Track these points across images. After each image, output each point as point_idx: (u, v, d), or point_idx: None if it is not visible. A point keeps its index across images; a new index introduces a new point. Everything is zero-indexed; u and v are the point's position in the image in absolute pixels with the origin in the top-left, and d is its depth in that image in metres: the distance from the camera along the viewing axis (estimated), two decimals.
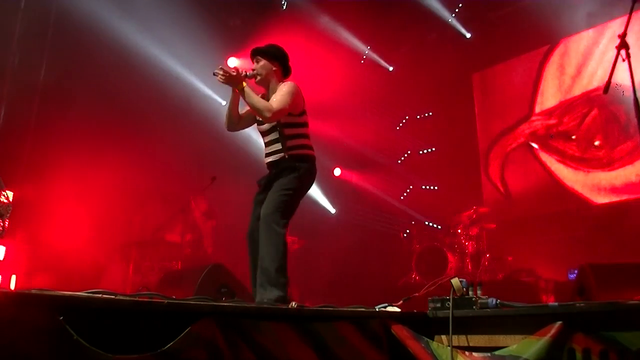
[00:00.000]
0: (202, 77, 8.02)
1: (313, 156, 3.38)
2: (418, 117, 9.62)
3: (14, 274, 5.65)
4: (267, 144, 3.37)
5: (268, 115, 3.15)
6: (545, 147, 7.94)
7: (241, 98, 3.26)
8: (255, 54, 3.45)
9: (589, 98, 7.44)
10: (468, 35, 8.66)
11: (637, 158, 6.84)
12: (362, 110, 10.01)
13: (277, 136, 3.28)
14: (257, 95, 3.24)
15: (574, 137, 7.60)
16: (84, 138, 6.48)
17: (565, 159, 7.70)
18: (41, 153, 6.22)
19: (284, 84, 3.35)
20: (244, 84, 3.21)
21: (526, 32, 7.83)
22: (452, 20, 8.56)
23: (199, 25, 7.16)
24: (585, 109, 7.48)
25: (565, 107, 7.77)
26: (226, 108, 3.45)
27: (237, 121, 3.46)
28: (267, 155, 3.36)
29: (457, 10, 8.52)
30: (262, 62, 3.42)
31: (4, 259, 5.51)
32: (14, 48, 6.32)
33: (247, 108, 3.38)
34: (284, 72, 3.50)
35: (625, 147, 6.97)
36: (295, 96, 3.26)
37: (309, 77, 8.53)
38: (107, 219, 6.47)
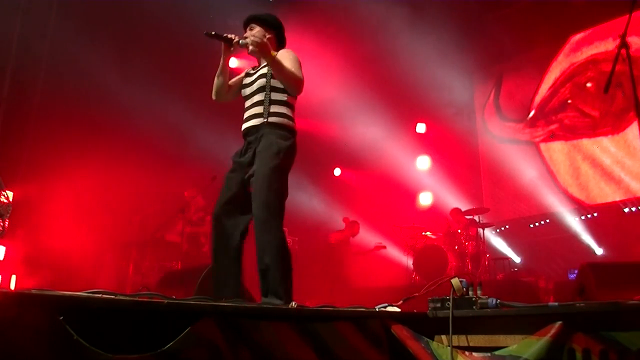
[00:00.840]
0: None
1: (296, 131, 3.08)
2: (418, 117, 9.62)
3: (14, 274, 5.65)
4: (247, 109, 3.07)
5: (299, 85, 2.97)
6: (546, 124, 7.98)
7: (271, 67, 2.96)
8: (250, 21, 3.21)
9: (588, 63, 7.46)
10: (468, 35, 8.65)
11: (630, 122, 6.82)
12: (362, 110, 10.01)
13: (262, 98, 2.99)
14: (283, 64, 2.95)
15: (569, 101, 7.66)
16: (84, 138, 6.48)
17: (563, 130, 7.74)
18: (41, 153, 6.22)
19: (286, 51, 3.11)
20: (275, 53, 2.94)
21: (528, 31, 7.84)
22: (452, 19, 8.55)
23: (199, 26, 7.16)
24: (586, 74, 7.51)
25: (567, 75, 7.81)
26: (216, 77, 3.17)
27: (227, 90, 3.20)
28: (246, 120, 3.05)
29: (457, 10, 8.51)
30: (256, 29, 3.16)
31: (4, 259, 5.51)
32: (14, 48, 6.32)
33: (236, 77, 3.18)
34: (279, 42, 3.26)
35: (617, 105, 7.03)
36: (300, 68, 3.04)
37: (309, 77, 8.55)
38: (107, 219, 6.47)
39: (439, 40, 8.69)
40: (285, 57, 3.02)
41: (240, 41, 3.06)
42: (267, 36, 3.12)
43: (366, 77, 9.31)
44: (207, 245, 6.77)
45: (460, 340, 2.22)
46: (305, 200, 9.19)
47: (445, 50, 8.50)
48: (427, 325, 2.34)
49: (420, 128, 9.63)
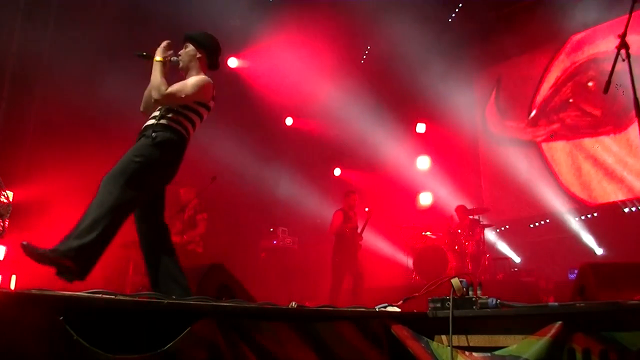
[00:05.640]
0: None
1: (183, 135, 3.11)
2: (418, 117, 9.62)
3: (14, 274, 5.65)
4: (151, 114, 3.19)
5: (156, 95, 3.02)
6: (547, 124, 7.98)
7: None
8: (185, 40, 3.31)
9: (590, 62, 7.44)
10: (468, 35, 8.66)
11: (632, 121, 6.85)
12: (362, 110, 10.01)
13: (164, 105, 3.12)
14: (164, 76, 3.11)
15: (571, 100, 7.66)
16: (84, 138, 6.47)
17: (565, 129, 7.74)
18: (41, 153, 6.22)
19: (199, 75, 3.20)
20: (161, 58, 3.12)
21: (529, 31, 7.84)
22: (452, 20, 8.57)
23: (199, 26, 7.15)
24: (588, 73, 7.52)
25: (569, 74, 7.81)
26: (147, 90, 3.22)
27: (154, 104, 3.19)
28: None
29: (457, 10, 8.53)
30: (188, 48, 3.28)
31: (4, 259, 5.51)
32: (14, 48, 6.31)
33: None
34: (209, 64, 3.34)
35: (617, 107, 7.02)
36: (199, 91, 3.10)
37: (309, 77, 8.56)
38: None
39: (440, 40, 8.71)
40: (193, 77, 3.17)
41: (172, 59, 3.22)
42: (198, 55, 3.28)
43: (366, 77, 9.32)
44: (201, 244, 6.75)
45: (460, 340, 2.22)
46: (306, 200, 9.19)
47: (445, 49, 8.52)
48: (427, 325, 2.34)
49: (420, 128, 9.63)
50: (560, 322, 1.95)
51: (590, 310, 2.05)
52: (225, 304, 1.99)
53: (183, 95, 3.06)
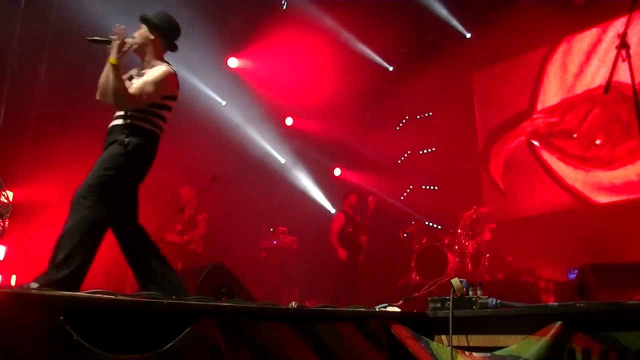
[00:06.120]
0: (202, 77, 8.02)
1: (154, 133, 3.04)
2: (418, 117, 9.62)
3: (14, 274, 5.65)
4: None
5: (116, 101, 2.89)
6: (546, 145, 7.91)
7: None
8: (140, 21, 3.15)
9: (591, 96, 7.40)
10: (468, 35, 8.66)
11: (638, 158, 6.82)
12: (362, 110, 10.01)
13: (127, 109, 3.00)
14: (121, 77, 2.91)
15: (575, 135, 7.56)
16: (84, 138, 6.46)
17: (566, 157, 7.66)
18: (41, 153, 6.21)
19: (158, 68, 3.03)
20: (114, 60, 2.86)
21: (528, 31, 7.82)
22: (452, 19, 8.56)
23: (199, 26, 7.16)
24: (587, 108, 7.42)
25: (567, 106, 7.73)
26: (103, 77, 3.01)
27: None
28: (112, 120, 3.06)
29: (457, 10, 8.52)
30: (142, 30, 3.12)
31: (4, 259, 5.51)
32: (14, 48, 6.31)
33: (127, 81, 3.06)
34: (166, 46, 3.20)
35: (627, 146, 6.93)
36: (162, 87, 2.99)
37: (309, 77, 8.56)
38: None
39: (439, 39, 8.71)
40: (149, 73, 2.99)
41: (126, 42, 2.95)
42: (151, 37, 3.12)
43: (367, 77, 9.32)
44: (201, 245, 6.76)
45: (460, 340, 2.22)
46: (306, 200, 9.20)
47: (446, 49, 8.52)
48: (427, 325, 2.34)
49: (420, 127, 9.63)
50: (560, 322, 1.95)
51: (590, 310, 2.05)
52: (225, 304, 1.99)
53: (145, 97, 2.94)
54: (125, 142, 2.87)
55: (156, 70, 3.01)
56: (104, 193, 2.81)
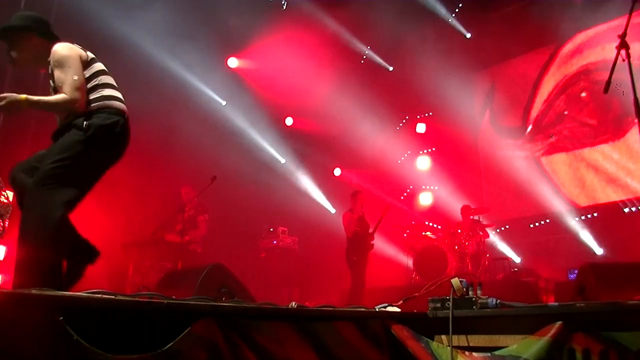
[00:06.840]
0: (202, 77, 8.02)
1: (116, 109, 2.83)
2: (418, 117, 9.63)
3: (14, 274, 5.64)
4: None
5: (72, 105, 2.73)
6: (544, 138, 7.98)
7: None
8: (5, 37, 2.86)
9: (582, 73, 7.45)
10: (468, 35, 8.67)
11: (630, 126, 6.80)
12: (362, 110, 10.01)
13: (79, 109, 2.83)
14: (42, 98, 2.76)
15: (566, 113, 7.67)
16: None
17: (563, 141, 7.74)
18: None
19: (54, 56, 2.81)
20: (24, 96, 2.66)
21: (528, 31, 7.83)
22: (452, 19, 8.57)
23: (199, 26, 7.16)
24: (579, 84, 7.50)
25: (561, 87, 7.82)
26: (48, 109, 2.91)
27: None
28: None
29: (457, 10, 8.53)
30: (14, 40, 2.87)
31: (4, 259, 5.50)
32: None
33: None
34: (45, 38, 2.93)
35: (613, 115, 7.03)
36: (75, 65, 2.79)
37: (309, 77, 8.56)
38: (106, 219, 6.47)
39: (440, 39, 8.70)
40: (54, 66, 2.81)
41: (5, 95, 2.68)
42: (28, 40, 2.89)
43: (367, 77, 9.32)
44: (201, 245, 6.75)
45: (460, 340, 2.22)
46: (306, 200, 9.19)
47: (446, 49, 8.52)
48: (427, 325, 2.34)
49: (420, 128, 9.64)
50: (560, 322, 1.95)
51: (590, 310, 2.04)
52: (225, 304, 1.99)
53: (78, 80, 2.75)
54: (85, 127, 2.71)
55: (57, 60, 2.82)
56: (58, 187, 2.69)
